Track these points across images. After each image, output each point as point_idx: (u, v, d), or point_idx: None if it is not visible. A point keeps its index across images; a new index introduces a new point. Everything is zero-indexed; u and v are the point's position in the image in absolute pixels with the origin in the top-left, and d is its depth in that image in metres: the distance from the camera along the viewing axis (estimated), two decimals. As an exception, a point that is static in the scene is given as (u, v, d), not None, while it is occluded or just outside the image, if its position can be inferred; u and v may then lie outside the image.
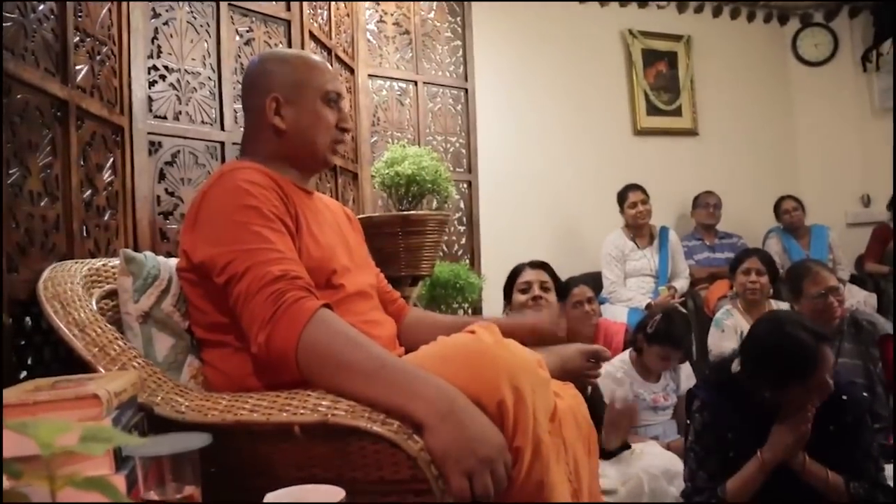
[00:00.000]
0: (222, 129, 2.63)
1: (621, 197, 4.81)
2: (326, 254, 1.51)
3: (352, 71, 3.83)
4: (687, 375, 3.06)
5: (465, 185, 4.40)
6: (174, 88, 2.48)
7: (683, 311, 3.80)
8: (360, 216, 3.10)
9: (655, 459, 2.53)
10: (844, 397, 1.96)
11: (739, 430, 1.97)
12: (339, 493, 1.00)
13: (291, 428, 1.20)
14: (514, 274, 2.81)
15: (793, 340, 1.86)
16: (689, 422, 2.16)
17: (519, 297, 2.72)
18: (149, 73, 2.37)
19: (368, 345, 1.27)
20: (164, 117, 2.43)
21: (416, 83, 4.21)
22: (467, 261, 4.25)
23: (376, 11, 4.09)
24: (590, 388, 2.48)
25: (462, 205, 4.36)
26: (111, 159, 2.12)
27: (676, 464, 2.45)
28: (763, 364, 1.92)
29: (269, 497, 1.01)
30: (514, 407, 1.20)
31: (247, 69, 1.65)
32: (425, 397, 1.18)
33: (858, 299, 4.58)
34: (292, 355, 1.26)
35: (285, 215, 1.44)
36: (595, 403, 2.53)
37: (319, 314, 1.28)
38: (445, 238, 4.14)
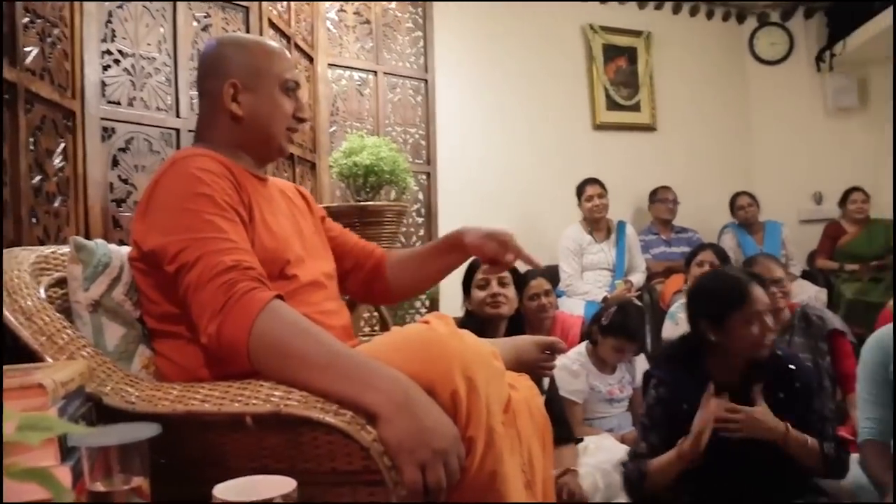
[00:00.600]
0: (178, 115, 2.60)
1: (579, 190, 4.85)
2: (280, 244, 1.49)
3: (311, 60, 3.80)
4: (642, 368, 3.10)
5: (424, 177, 4.40)
6: (128, 73, 2.44)
7: (638, 303, 3.84)
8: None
9: (609, 453, 2.55)
10: (792, 367, 2.10)
11: (691, 403, 2.05)
12: (290, 483, 0.99)
13: (243, 418, 1.19)
14: (472, 269, 2.74)
15: (727, 277, 2.17)
16: (643, 394, 2.26)
17: (477, 294, 2.69)
18: (102, 57, 2.33)
19: (321, 335, 1.27)
20: (118, 103, 2.39)
21: (375, 73, 4.20)
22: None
23: (337, 0, 4.06)
24: (547, 382, 2.50)
25: (421, 196, 4.36)
26: (62, 144, 2.08)
27: (630, 456, 2.48)
28: (704, 302, 2.13)
29: (218, 488, 1.00)
30: (468, 397, 1.20)
31: (203, 52, 1.62)
32: (379, 388, 1.18)
33: (810, 294, 4.68)
34: (243, 346, 1.24)
35: (238, 204, 1.42)
36: (551, 398, 2.55)
37: (271, 305, 1.26)
38: (403, 229, 4.14)
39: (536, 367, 1.71)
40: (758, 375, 2.06)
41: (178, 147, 2.56)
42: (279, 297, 1.30)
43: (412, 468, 1.14)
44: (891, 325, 2.31)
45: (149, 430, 0.95)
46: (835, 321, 2.97)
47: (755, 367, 2.07)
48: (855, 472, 2.23)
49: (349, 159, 2.97)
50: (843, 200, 5.44)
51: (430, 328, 1.29)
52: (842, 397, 2.86)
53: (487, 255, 1.76)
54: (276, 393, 1.21)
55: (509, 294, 2.67)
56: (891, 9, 5.16)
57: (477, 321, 2.62)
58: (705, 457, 2.00)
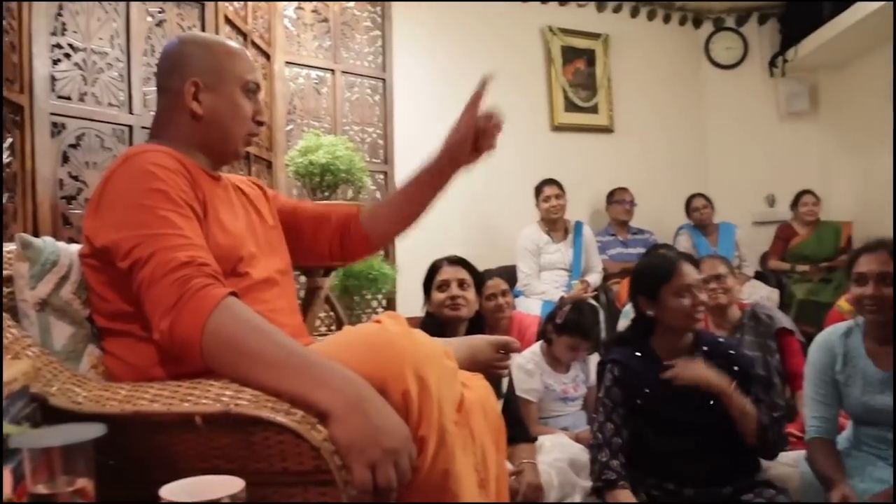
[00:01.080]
0: (130, 112, 2.56)
1: (537, 191, 4.88)
2: (233, 241, 1.48)
3: (268, 57, 3.77)
4: (596, 366, 3.12)
5: (381, 176, 4.39)
6: (79, 68, 2.40)
7: (593, 302, 3.88)
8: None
9: (564, 451, 2.56)
10: (732, 352, 2.24)
11: (643, 381, 2.20)
12: (237, 483, 0.98)
13: (193, 418, 1.17)
14: (433, 270, 2.76)
15: (658, 255, 2.39)
16: (599, 381, 2.36)
17: (437, 296, 2.69)
18: (52, 51, 2.29)
19: (274, 333, 1.26)
20: (69, 98, 2.35)
21: (333, 72, 4.18)
22: (382, 252, 4.23)
23: (294, -1, 4.04)
24: (505, 384, 2.52)
25: (378, 195, 4.34)
26: (9, 140, 2.04)
27: (584, 455, 2.49)
28: (640, 280, 2.32)
29: (165, 489, 0.99)
30: (419, 396, 1.20)
31: (164, 49, 1.61)
32: (331, 387, 1.18)
33: (762, 295, 4.77)
34: (196, 343, 1.23)
35: (193, 200, 1.41)
36: (508, 399, 2.57)
37: (225, 302, 1.25)
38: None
39: (491, 367, 1.71)
40: (701, 354, 2.21)
41: (130, 144, 2.52)
42: (233, 293, 1.29)
43: (362, 467, 1.14)
44: (836, 326, 2.37)
45: (93, 431, 0.94)
46: (783, 320, 3.03)
47: (698, 347, 2.23)
48: (803, 469, 2.28)
49: (305, 158, 2.95)
50: (795, 203, 5.55)
51: (382, 327, 1.29)
52: (790, 395, 2.92)
53: (472, 137, 1.81)
54: (227, 392, 1.20)
55: (469, 296, 2.68)
56: (841, 16, 5.28)
57: (437, 323, 2.63)
58: (659, 446, 2.14)
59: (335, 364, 1.21)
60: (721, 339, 2.32)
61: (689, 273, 2.22)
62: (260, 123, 1.63)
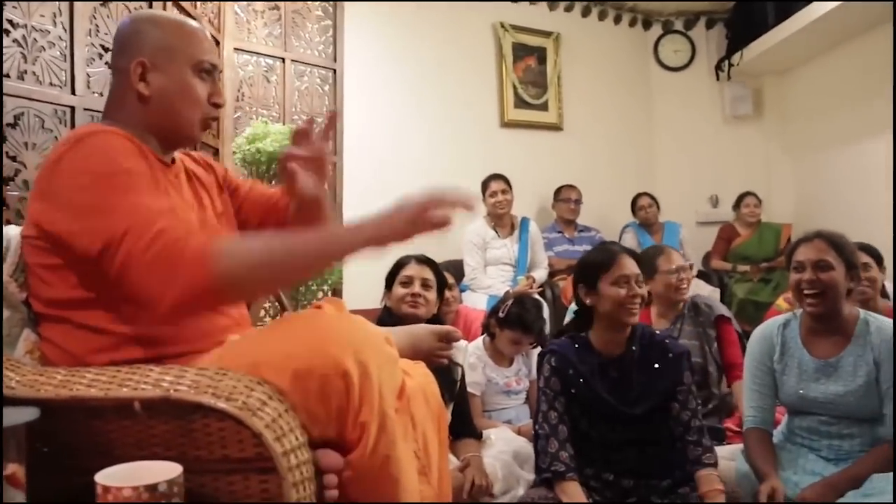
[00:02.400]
0: (73, 92, 2.50)
1: (484, 186, 4.89)
2: None
3: (217, 43, 3.72)
4: (537, 358, 3.15)
5: (330, 167, 4.36)
6: (19, 45, 2.34)
7: (536, 296, 3.92)
8: (219, 193, 3.03)
9: (507, 444, 2.59)
10: (667, 341, 2.33)
11: (580, 371, 2.24)
12: (175, 469, 0.98)
13: (131, 404, 1.16)
14: (399, 265, 2.76)
15: (600, 247, 2.44)
16: (539, 372, 2.38)
17: (399, 290, 2.69)
18: (-10, 28, 2.23)
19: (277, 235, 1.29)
20: (7, 76, 2.29)
21: (283, 60, 4.14)
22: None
23: (246, -16, 3.99)
24: (459, 374, 2.54)
25: (326, 186, 4.32)
26: (-56, 118, 1.98)
27: (528, 448, 2.53)
28: (582, 270, 2.37)
29: (101, 475, 0.99)
30: (360, 381, 1.21)
31: (118, 27, 1.55)
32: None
33: (705, 293, 4.86)
34: (211, 286, 1.21)
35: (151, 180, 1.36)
36: (461, 396, 2.59)
37: (216, 243, 1.24)
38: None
39: (432, 356, 1.72)
40: (637, 347, 2.28)
41: (72, 125, 2.46)
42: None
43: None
44: (776, 318, 2.44)
45: (24, 415, 0.93)
46: (721, 308, 3.11)
47: (633, 341, 2.29)
48: (739, 462, 2.34)
49: (253, 146, 2.93)
50: (737, 204, 5.67)
51: (323, 312, 1.29)
52: (728, 385, 2.98)
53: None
54: (167, 378, 1.19)
55: (430, 297, 2.69)
56: (785, 23, 5.41)
57: (394, 318, 2.61)
58: (596, 437, 2.22)
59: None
60: (656, 332, 2.38)
61: (628, 265, 2.27)
62: (217, 106, 1.55)
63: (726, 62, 6.24)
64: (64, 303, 1.36)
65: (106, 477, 0.98)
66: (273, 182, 3.00)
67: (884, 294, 3.03)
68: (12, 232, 1.49)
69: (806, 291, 2.24)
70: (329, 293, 3.84)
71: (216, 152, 3.60)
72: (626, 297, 2.23)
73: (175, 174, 1.55)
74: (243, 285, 1.24)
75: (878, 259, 3.01)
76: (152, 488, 0.98)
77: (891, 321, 2.25)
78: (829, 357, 2.24)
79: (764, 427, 2.32)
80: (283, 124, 3.54)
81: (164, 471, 0.99)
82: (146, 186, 1.31)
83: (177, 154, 1.60)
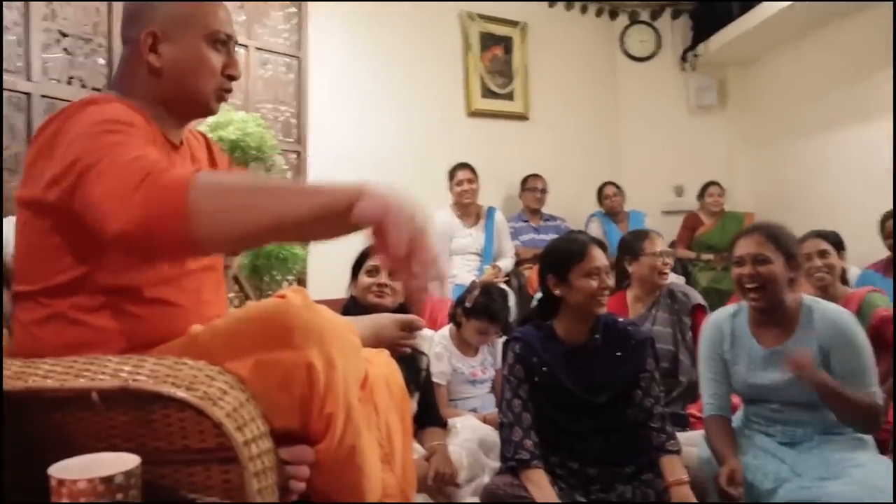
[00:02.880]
0: (29, 79, 2.46)
1: (450, 175, 4.91)
2: None
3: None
4: (502, 346, 3.16)
5: (294, 156, 4.34)
6: (-28, 31, 2.29)
7: (502, 286, 3.94)
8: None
9: (473, 433, 2.61)
10: (629, 328, 2.36)
11: (543, 358, 2.27)
12: (133, 460, 0.97)
13: (89, 395, 1.13)
14: (365, 254, 2.73)
15: (571, 238, 2.43)
16: (503, 360, 2.41)
17: (364, 280, 2.66)
18: (-58, 12, 2.18)
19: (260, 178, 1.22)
20: (-40, 62, 2.24)
21: (247, 48, 4.10)
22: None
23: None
24: (425, 363, 2.53)
25: (290, 175, 4.29)
26: None
27: (493, 436, 2.55)
28: (551, 260, 2.37)
29: (55, 467, 0.97)
30: (325, 372, 1.20)
31: None
32: (352, 184, 1.14)
33: (669, 281, 4.91)
34: (181, 208, 1.07)
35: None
36: (425, 384, 2.60)
37: (197, 175, 1.12)
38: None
39: (395, 345, 1.72)
40: (600, 335, 2.31)
41: (28, 112, 2.41)
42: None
43: (395, 229, 1.08)
44: (726, 307, 2.49)
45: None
46: (698, 297, 3.16)
47: (596, 329, 2.32)
48: (702, 448, 2.39)
49: (215, 133, 2.89)
50: (702, 193, 5.73)
51: (285, 302, 1.25)
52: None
53: None
54: (125, 368, 1.17)
55: (396, 286, 2.66)
56: (749, 14, 5.47)
57: (360, 307, 2.59)
58: (561, 425, 2.24)
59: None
60: (619, 319, 2.41)
61: (599, 257, 2.29)
62: (231, 78, 1.48)
63: (691, 53, 6.31)
64: (48, 290, 1.31)
65: (60, 470, 0.96)
66: (235, 171, 2.97)
67: (844, 280, 3.08)
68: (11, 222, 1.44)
69: (747, 285, 2.28)
70: (293, 283, 3.82)
71: (178, 140, 3.56)
72: (598, 289, 2.25)
73: (181, 157, 1.49)
74: (217, 224, 1.09)
75: (838, 245, 3.06)
76: (108, 480, 0.96)
77: (836, 307, 2.29)
78: (774, 346, 2.29)
79: (722, 414, 2.36)
80: (247, 112, 3.50)
81: (121, 462, 0.98)
82: (143, 140, 1.25)
83: (185, 134, 1.54)
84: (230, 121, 2.92)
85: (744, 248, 2.31)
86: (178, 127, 1.49)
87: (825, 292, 2.84)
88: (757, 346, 2.32)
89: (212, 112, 1.51)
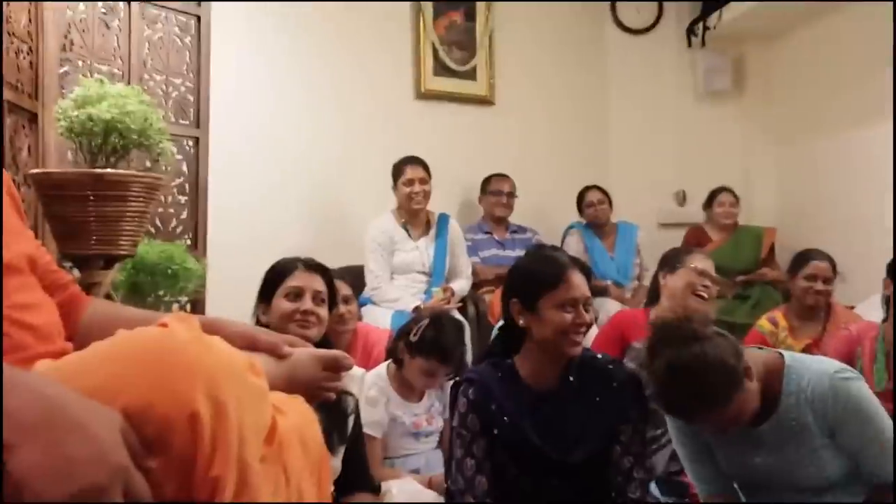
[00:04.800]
0: None
1: (396, 172, 4.85)
2: None
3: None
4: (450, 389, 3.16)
5: (191, 143, 4.27)
6: None
7: (458, 317, 3.91)
8: (36, 171, 2.93)
9: (413, 499, 2.62)
10: (610, 367, 2.36)
11: (503, 406, 2.27)
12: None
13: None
14: (281, 272, 2.71)
15: (545, 256, 2.45)
16: (452, 408, 2.40)
17: (283, 306, 2.64)
18: None
19: None
20: None
21: (128, 0, 4.04)
22: (188, 241, 4.12)
23: None
24: (353, 410, 2.50)
25: (185, 168, 4.22)
26: None
27: (440, 504, 2.56)
28: (519, 282, 2.40)
29: None
30: (213, 423, 1.16)
31: None
32: (10, 407, 1.07)
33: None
34: None
35: None
36: (356, 437, 2.57)
37: None
38: (160, 210, 4.00)
39: (314, 389, 1.69)
40: (574, 377, 2.31)
41: None
42: None
43: None
44: None
45: None
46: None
47: (570, 370, 2.32)
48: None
49: (83, 111, 2.83)
50: (709, 202, 5.80)
51: (167, 333, 1.23)
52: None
53: None
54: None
55: (322, 314, 2.67)
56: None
57: None
58: (525, 487, 2.24)
59: (28, 376, 1.12)
60: (598, 356, 2.43)
61: (578, 284, 2.29)
62: None
63: (700, 25, 6.35)
64: None
65: None
66: (112, 159, 2.91)
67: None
68: None
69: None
70: (187, 306, 3.75)
71: (33, 118, 3.47)
72: (572, 325, 2.25)
73: None
74: None
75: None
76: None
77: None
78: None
79: (721, 491, 2.37)
80: (129, 84, 3.44)
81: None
82: None
83: None
84: (104, 95, 2.85)
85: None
86: None
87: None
88: None
89: None
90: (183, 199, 4.23)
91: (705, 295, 3.30)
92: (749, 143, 6.47)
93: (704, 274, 3.33)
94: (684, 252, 3.53)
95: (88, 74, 3.66)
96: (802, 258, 4.02)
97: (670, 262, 3.49)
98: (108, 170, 2.87)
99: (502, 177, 5.52)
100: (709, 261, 3.47)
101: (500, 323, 3.72)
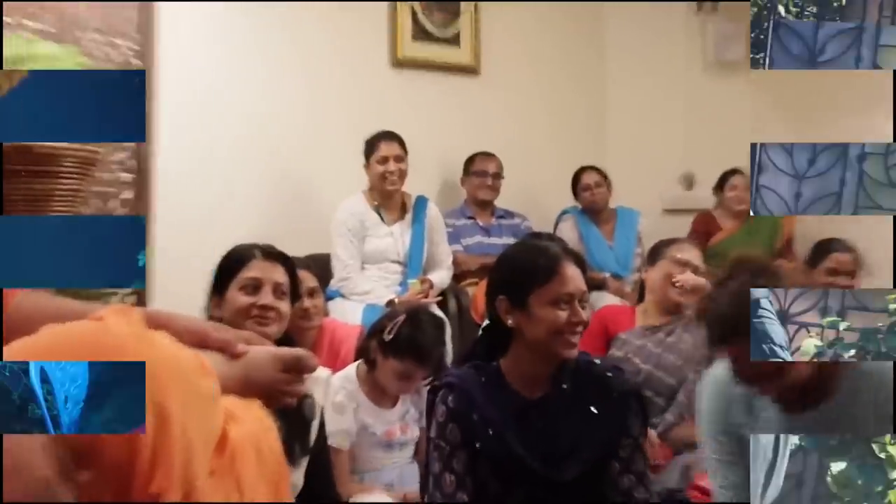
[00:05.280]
0: None
1: (369, 148, 4.82)
2: None
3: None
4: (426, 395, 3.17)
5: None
6: None
7: (438, 312, 3.90)
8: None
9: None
10: (609, 374, 2.38)
11: (486, 416, 2.26)
12: None
13: None
14: (237, 261, 2.69)
15: (535, 245, 2.45)
16: (429, 416, 2.40)
17: (239, 298, 2.62)
18: None
19: None
20: None
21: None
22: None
23: None
24: (315, 426, 2.49)
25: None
26: None
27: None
28: (506, 275, 2.40)
29: None
30: (154, 432, 1.16)
31: None
32: None
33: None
34: None
35: None
36: (321, 447, 2.56)
37: None
38: (96, 188, 3.97)
39: (273, 392, 1.67)
40: (568, 384, 2.31)
41: None
42: None
43: None
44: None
45: None
46: None
47: (563, 375, 2.31)
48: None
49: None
50: (720, 185, 5.81)
51: (101, 327, 1.23)
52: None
53: None
54: None
55: (283, 309, 2.65)
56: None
57: None
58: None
59: None
60: (597, 360, 2.43)
61: (573, 277, 2.28)
62: None
63: (712, -12, 6.38)
64: None
65: None
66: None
67: None
68: None
69: None
70: (129, 297, 3.73)
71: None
72: (567, 324, 2.24)
73: None
74: None
75: None
76: None
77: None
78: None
79: (743, 500, 2.36)
80: (62, 44, 3.41)
81: None
82: None
83: None
84: (35, 55, 2.84)
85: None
86: None
87: None
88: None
89: None
90: (127, 176, 4.21)
91: (686, 286, 3.32)
92: (764, 119, 6.45)
93: (687, 264, 3.36)
94: (667, 243, 3.57)
95: (14, 32, 3.63)
96: (822, 249, 4.04)
97: (652, 254, 3.58)
98: (38, 142, 2.85)
99: (488, 155, 5.52)
100: (694, 250, 3.51)
101: (486, 323, 3.74)
